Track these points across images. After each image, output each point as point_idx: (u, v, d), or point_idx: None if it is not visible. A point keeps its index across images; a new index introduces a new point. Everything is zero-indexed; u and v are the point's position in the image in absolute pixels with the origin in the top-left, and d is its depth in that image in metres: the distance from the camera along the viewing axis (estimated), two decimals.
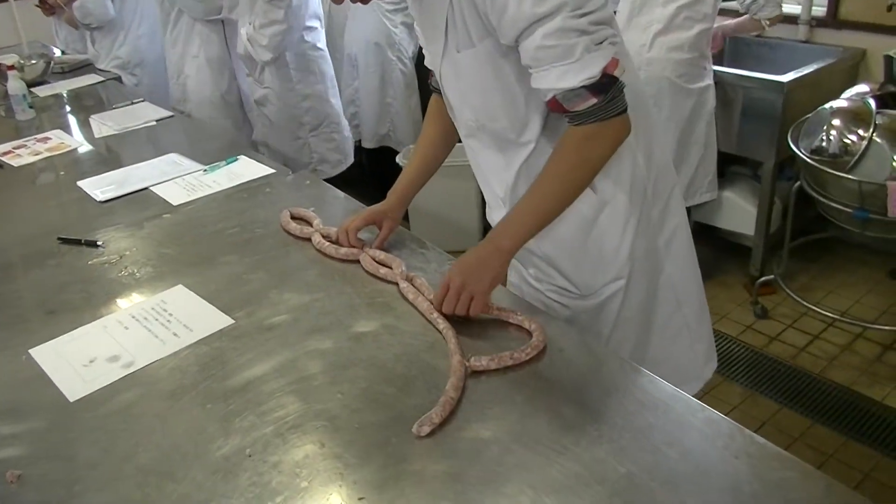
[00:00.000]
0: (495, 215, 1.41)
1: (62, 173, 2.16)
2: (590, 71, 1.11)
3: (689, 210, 3.13)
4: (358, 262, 1.47)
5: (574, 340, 1.22)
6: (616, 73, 1.13)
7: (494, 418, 1.05)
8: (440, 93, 1.41)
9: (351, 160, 2.99)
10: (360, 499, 0.93)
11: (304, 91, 2.75)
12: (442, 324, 1.23)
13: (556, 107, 1.17)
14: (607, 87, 1.13)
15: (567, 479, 0.94)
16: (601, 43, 1.12)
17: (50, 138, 2.45)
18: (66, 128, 2.57)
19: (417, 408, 1.07)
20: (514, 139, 1.29)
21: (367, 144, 3.69)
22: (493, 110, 1.27)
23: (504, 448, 0.99)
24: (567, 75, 1.12)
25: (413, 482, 0.95)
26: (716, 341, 2.73)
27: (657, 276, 1.41)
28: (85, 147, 2.37)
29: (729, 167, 3.26)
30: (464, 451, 0.99)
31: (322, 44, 2.79)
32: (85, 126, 2.57)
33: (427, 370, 1.16)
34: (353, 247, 1.49)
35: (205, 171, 2.03)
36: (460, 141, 1.44)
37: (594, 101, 1.13)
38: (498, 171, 1.36)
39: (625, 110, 1.17)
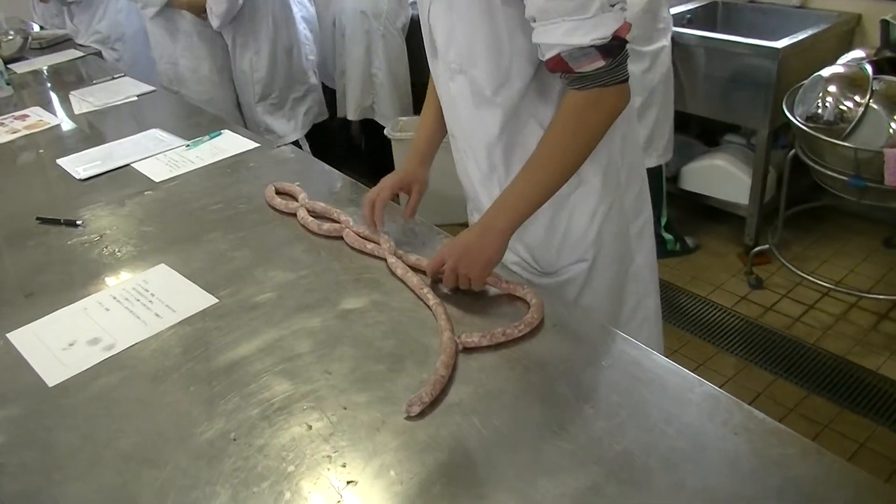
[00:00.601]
0: (478, 204, 1.37)
1: (41, 151, 2.11)
2: (603, 30, 1.07)
3: (678, 179, 3.16)
4: (341, 237, 1.43)
5: (569, 316, 1.19)
6: (627, 37, 1.10)
7: (487, 397, 1.02)
8: None
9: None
10: (348, 482, 0.91)
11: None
12: (432, 299, 1.20)
13: (557, 65, 1.12)
14: (616, 50, 1.09)
15: (562, 458, 0.91)
16: (615, 5, 1.08)
17: (28, 115, 2.39)
18: (45, 105, 2.51)
19: (408, 387, 1.04)
20: (489, 96, 1.24)
21: (350, 116, 3.62)
22: (474, 54, 1.21)
23: (496, 428, 0.96)
24: (577, 31, 1.07)
25: (404, 464, 0.92)
26: (710, 312, 2.80)
27: (627, 265, 1.39)
28: (65, 124, 2.31)
29: (722, 136, 3.25)
30: (455, 433, 0.96)
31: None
32: (65, 103, 2.51)
33: (417, 348, 1.13)
34: (375, 224, 1.39)
35: (187, 146, 1.98)
36: None
37: (601, 63, 1.09)
38: (478, 134, 1.30)
39: (627, 79, 1.13)
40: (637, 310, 1.43)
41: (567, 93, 1.14)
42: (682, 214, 3.26)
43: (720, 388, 1.00)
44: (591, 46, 1.07)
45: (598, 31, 1.06)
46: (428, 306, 1.20)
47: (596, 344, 1.13)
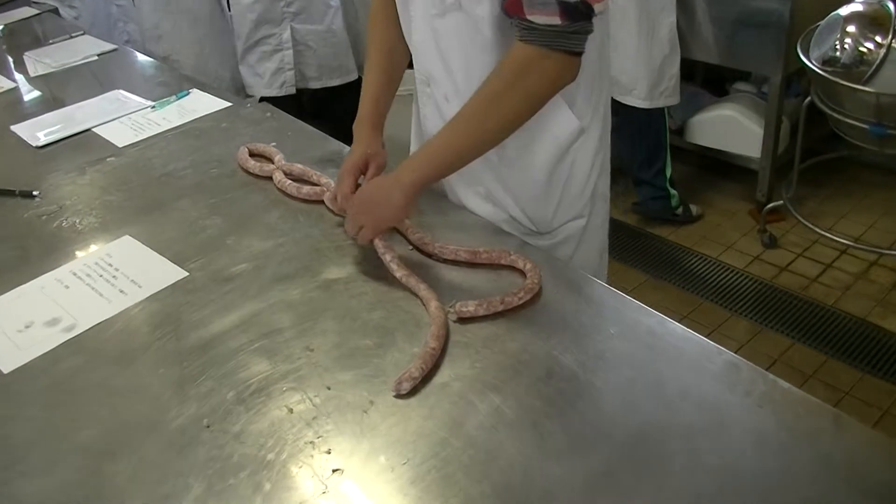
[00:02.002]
0: None
1: None
2: None
3: (684, 131, 3.11)
4: (322, 202, 1.38)
5: (570, 279, 1.14)
6: (596, 8, 1.02)
7: (485, 372, 0.98)
8: None
9: None
10: (334, 470, 0.86)
11: None
12: (399, 272, 1.15)
13: (512, 7, 1.05)
14: (578, 14, 1.01)
15: (570, 438, 0.87)
16: None
17: None
18: None
19: (398, 363, 1.00)
20: (488, 36, 1.16)
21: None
22: None
23: (496, 407, 0.92)
24: None
25: (395, 449, 0.88)
26: (721, 274, 2.77)
27: (607, 222, 1.38)
28: (20, 88, 2.23)
29: (731, 84, 3.20)
30: (450, 412, 0.92)
31: None
32: (19, 65, 2.42)
33: (408, 320, 1.08)
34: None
35: (153, 107, 1.91)
36: None
37: (558, 21, 1.01)
38: (467, 78, 1.22)
39: (579, 54, 1.06)
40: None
41: (514, 45, 1.07)
42: (688, 170, 3.22)
43: (734, 353, 0.96)
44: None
45: None
46: (396, 278, 1.16)
47: (603, 310, 1.09)
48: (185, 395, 1.00)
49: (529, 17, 1.03)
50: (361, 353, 1.03)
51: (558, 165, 1.25)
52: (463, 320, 1.06)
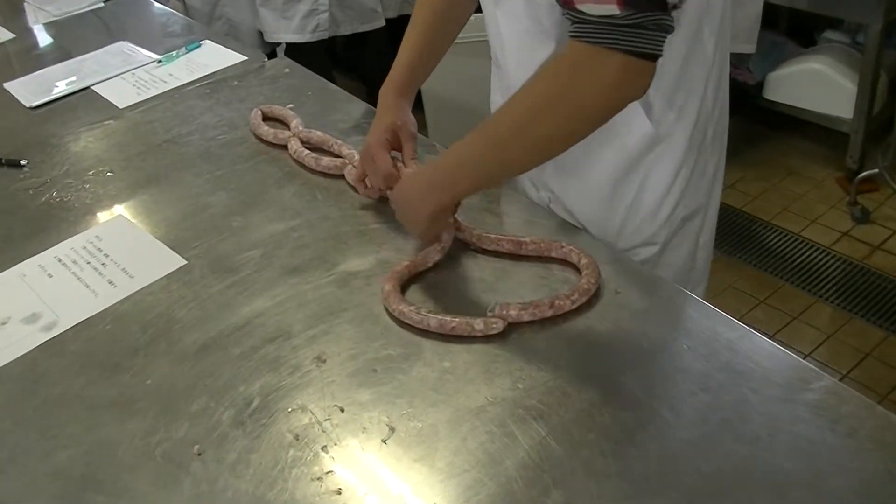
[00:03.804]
0: None
1: None
2: None
3: (763, 87, 2.95)
4: (343, 176, 1.29)
5: (635, 278, 1.04)
6: None
7: (528, 395, 0.88)
8: None
9: None
10: None
11: None
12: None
13: None
14: (643, 4, 0.82)
15: (629, 483, 0.78)
16: None
17: None
18: None
19: (424, 380, 0.91)
20: (546, 27, 1.04)
21: (386, 13, 3.38)
22: None
23: (541, 440, 0.83)
24: None
25: (419, 491, 0.79)
26: (803, 252, 2.64)
27: (695, 248, 1.24)
28: (18, 40, 2.17)
29: (820, 33, 3.10)
30: (486, 446, 0.83)
31: None
32: (18, 13, 2.36)
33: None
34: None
35: (159, 62, 1.83)
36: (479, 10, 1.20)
37: (615, 9, 0.82)
38: (525, 73, 1.12)
39: (649, 56, 0.85)
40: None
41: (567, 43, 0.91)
42: (767, 132, 3.08)
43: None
44: None
45: None
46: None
47: (674, 318, 0.99)
48: (175, 412, 0.92)
49: (580, 7, 0.85)
50: (383, 367, 0.94)
51: (626, 177, 1.12)
52: (511, 325, 0.96)
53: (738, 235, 2.72)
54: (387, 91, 1.23)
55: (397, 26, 3.33)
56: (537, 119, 0.93)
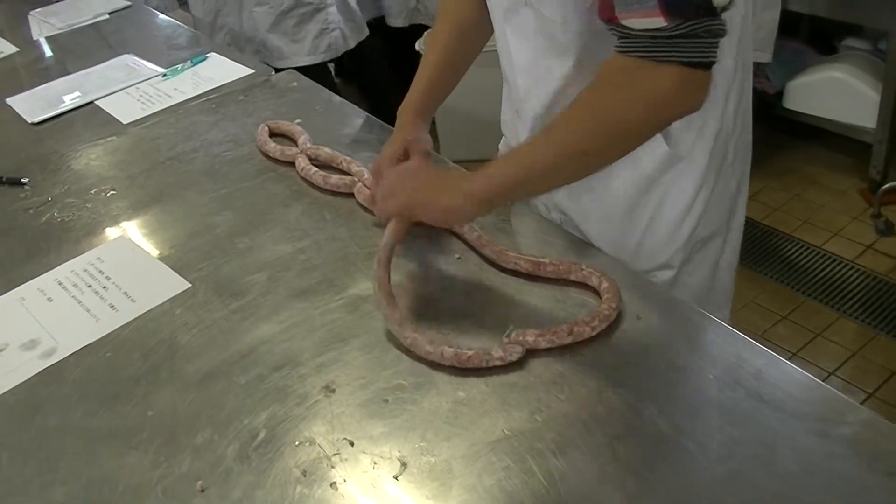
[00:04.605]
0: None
1: None
2: None
3: (783, 96, 2.92)
4: (352, 194, 1.27)
5: (657, 302, 1.01)
6: (718, 2, 0.81)
7: (547, 427, 0.85)
8: None
9: None
10: None
11: None
12: (379, 270, 1.04)
13: (604, 12, 0.87)
14: (689, 12, 0.80)
15: None
16: None
17: None
18: None
19: (436, 412, 0.88)
20: (558, 38, 1.02)
21: (393, 22, 3.35)
22: None
23: (561, 476, 0.79)
24: None
25: None
26: (826, 266, 2.60)
27: (714, 272, 1.22)
28: (22, 53, 2.17)
29: (841, 40, 3.07)
30: (503, 483, 0.80)
31: None
32: (21, 26, 2.36)
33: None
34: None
35: (164, 75, 1.82)
36: None
37: (661, 22, 0.81)
38: (535, 89, 1.11)
39: (701, 65, 0.83)
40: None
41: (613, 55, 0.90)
42: (786, 141, 3.05)
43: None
44: None
45: None
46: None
47: (698, 346, 0.95)
48: (177, 445, 0.89)
49: (625, 22, 0.84)
50: (394, 397, 0.91)
51: (642, 198, 1.10)
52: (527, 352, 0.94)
53: (759, 249, 2.69)
54: (404, 111, 1.22)
55: (405, 38, 3.32)
56: (590, 136, 0.91)
